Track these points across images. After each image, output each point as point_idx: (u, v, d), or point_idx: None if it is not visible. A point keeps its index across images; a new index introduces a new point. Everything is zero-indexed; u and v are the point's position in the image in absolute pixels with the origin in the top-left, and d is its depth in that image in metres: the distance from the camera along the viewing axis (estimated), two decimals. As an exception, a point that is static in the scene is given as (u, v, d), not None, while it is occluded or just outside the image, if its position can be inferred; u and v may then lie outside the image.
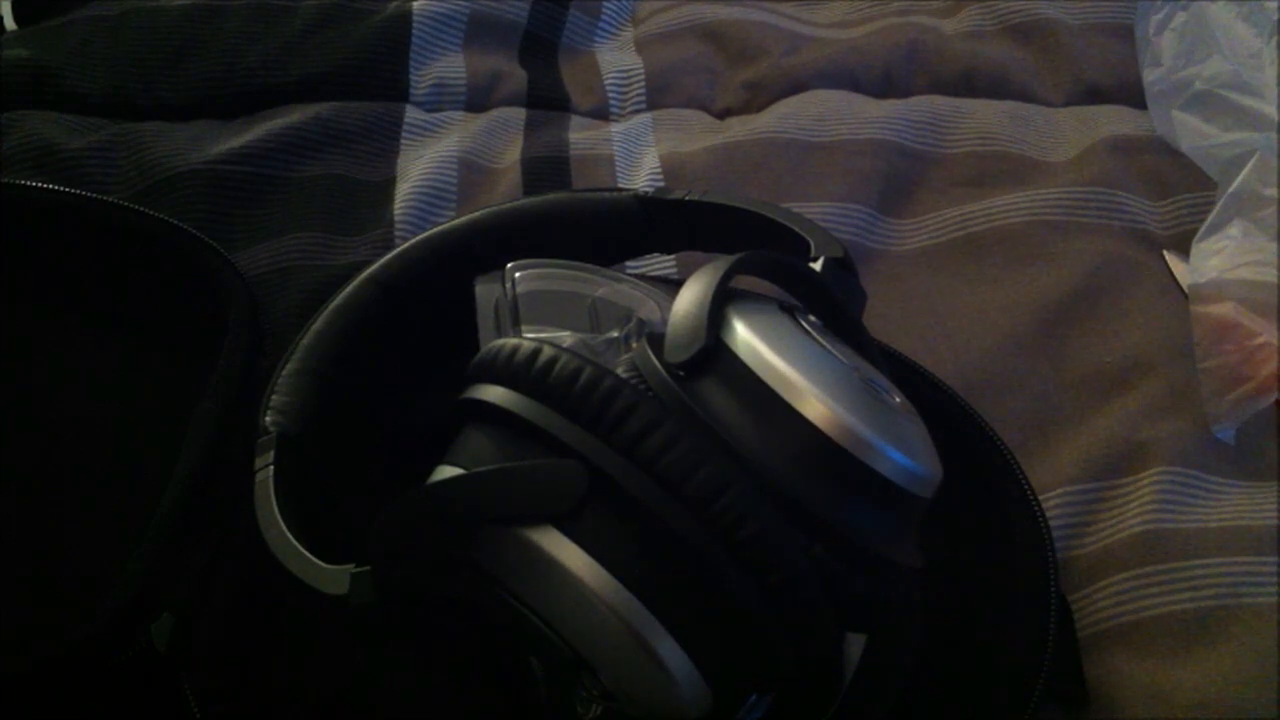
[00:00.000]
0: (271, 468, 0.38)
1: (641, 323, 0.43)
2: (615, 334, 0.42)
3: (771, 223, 0.45)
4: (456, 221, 0.49)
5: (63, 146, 0.63)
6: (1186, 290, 0.58)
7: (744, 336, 0.33)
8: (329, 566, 0.34)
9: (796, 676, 0.32)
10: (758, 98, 0.73)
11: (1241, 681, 0.43)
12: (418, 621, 0.42)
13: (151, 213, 0.54)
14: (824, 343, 0.35)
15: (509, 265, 0.44)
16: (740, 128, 0.69)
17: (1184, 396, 0.53)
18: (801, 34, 0.78)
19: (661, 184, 0.65)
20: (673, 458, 0.30)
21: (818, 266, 0.40)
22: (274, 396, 0.41)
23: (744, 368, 0.33)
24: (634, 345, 0.36)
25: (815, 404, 0.32)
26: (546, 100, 0.72)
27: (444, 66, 0.72)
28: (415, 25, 0.73)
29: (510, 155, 0.67)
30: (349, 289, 0.46)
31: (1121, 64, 0.74)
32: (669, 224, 0.49)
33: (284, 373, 0.42)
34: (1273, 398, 0.52)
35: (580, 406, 0.31)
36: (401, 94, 0.70)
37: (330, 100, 0.68)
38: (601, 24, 0.79)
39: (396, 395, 0.48)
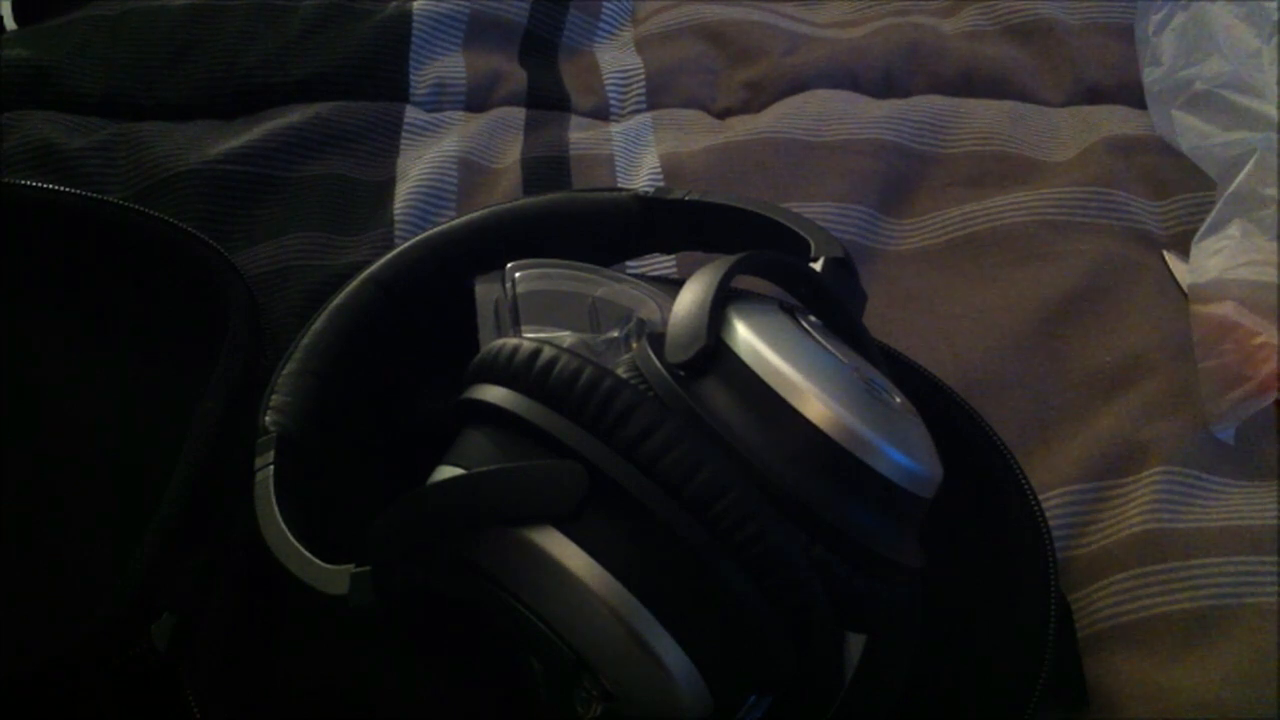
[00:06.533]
0: (271, 468, 0.38)
1: (642, 323, 0.43)
2: (615, 334, 0.42)
3: (772, 223, 0.45)
4: (456, 221, 0.49)
5: (63, 146, 0.63)
6: (1186, 290, 0.58)
7: (745, 337, 0.33)
8: (329, 566, 0.34)
9: (796, 677, 0.32)
10: (758, 98, 0.73)
11: (1241, 681, 0.43)
12: (417, 622, 0.42)
13: (151, 213, 0.54)
14: (824, 343, 0.35)
15: (509, 265, 0.44)
16: (740, 128, 0.69)
17: (1184, 396, 0.53)
18: (801, 34, 0.78)
19: (661, 184, 0.65)
20: (673, 458, 0.30)
21: (818, 267, 0.40)
22: (274, 396, 0.41)
23: (745, 368, 0.33)
24: (634, 345, 0.36)
25: (816, 404, 0.32)
26: (546, 100, 0.72)
27: (444, 66, 0.72)
28: (415, 25, 0.73)
29: (510, 155, 0.67)
30: (349, 289, 0.46)
31: (1121, 64, 0.74)
32: (669, 224, 0.49)
33: (284, 373, 0.42)
34: (1272, 398, 0.52)
35: (581, 407, 0.31)
36: (401, 94, 0.70)
37: (330, 100, 0.68)
38: (601, 24, 0.79)
39: (396, 395, 0.48)
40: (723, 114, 0.73)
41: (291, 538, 0.35)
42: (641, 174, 0.66)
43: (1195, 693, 0.43)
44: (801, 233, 0.43)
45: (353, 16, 0.74)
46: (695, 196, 0.47)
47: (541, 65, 0.75)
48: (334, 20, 0.73)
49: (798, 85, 0.73)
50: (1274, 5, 0.66)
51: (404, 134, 0.68)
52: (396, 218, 0.62)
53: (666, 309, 0.39)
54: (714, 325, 0.34)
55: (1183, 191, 0.65)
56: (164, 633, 0.41)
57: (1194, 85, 0.65)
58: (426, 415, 0.47)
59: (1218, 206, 0.59)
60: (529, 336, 0.34)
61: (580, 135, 0.69)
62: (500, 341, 0.34)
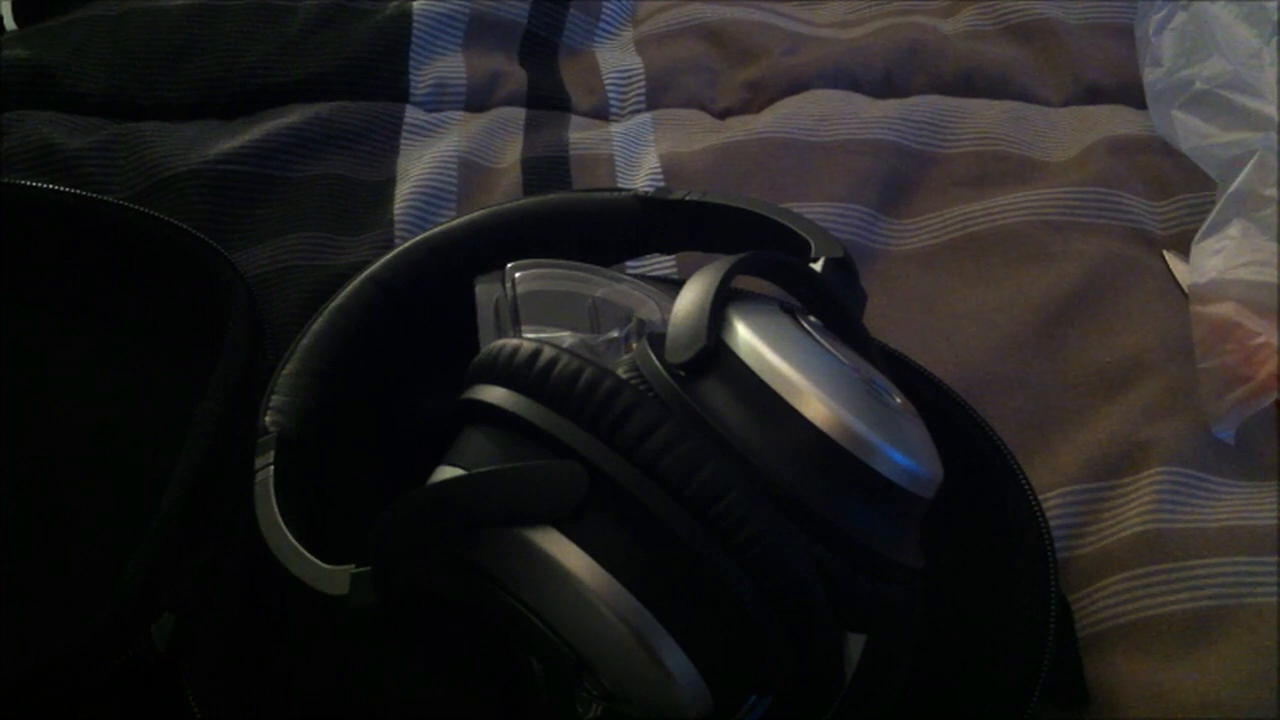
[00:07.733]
0: (271, 468, 0.38)
1: (642, 323, 0.43)
2: (615, 334, 0.42)
3: (772, 223, 0.45)
4: (456, 221, 0.49)
5: (63, 146, 0.63)
6: (1186, 290, 0.58)
7: (745, 337, 0.33)
8: (329, 567, 0.34)
9: (796, 677, 0.32)
10: (758, 98, 0.73)
11: (1241, 681, 0.43)
12: (418, 622, 0.42)
13: (151, 213, 0.54)
14: (824, 343, 0.35)
15: (509, 265, 0.44)
16: (740, 128, 0.69)
17: (1184, 396, 0.53)
18: (801, 34, 0.78)
19: (661, 184, 0.65)
20: (673, 459, 0.30)
21: (818, 267, 0.40)
22: (274, 396, 0.41)
23: (745, 368, 0.33)
24: (634, 345, 0.36)
25: (816, 404, 0.32)
26: (546, 100, 0.72)
27: (444, 66, 0.72)
28: (415, 25, 0.73)
29: (510, 155, 0.67)
30: (349, 289, 0.46)
31: (1121, 64, 0.74)
32: (669, 224, 0.49)
33: (284, 373, 0.42)
34: (1273, 398, 0.52)
35: (581, 407, 0.31)
36: (401, 94, 0.70)
37: (330, 100, 0.68)
38: (601, 24, 0.79)
39: (396, 395, 0.48)
40: (723, 114, 0.73)
41: (291, 538, 0.35)
42: (641, 174, 0.66)
43: (1195, 693, 0.43)
44: (801, 233, 0.43)
45: (353, 16, 0.74)
46: (695, 196, 0.47)
47: (541, 65, 0.75)
48: (334, 20, 0.73)
49: (798, 85, 0.73)
50: (1274, 5, 0.66)
51: (404, 134, 0.68)
52: (396, 218, 0.62)
53: (666, 309, 0.39)
54: (714, 326, 0.34)
55: (1183, 191, 0.65)
56: (164, 633, 0.41)
57: (1194, 85, 0.65)
58: (426, 415, 0.47)
59: (1218, 206, 0.59)
60: (529, 337, 0.34)
61: (580, 135, 0.69)
62: (500, 342, 0.34)
